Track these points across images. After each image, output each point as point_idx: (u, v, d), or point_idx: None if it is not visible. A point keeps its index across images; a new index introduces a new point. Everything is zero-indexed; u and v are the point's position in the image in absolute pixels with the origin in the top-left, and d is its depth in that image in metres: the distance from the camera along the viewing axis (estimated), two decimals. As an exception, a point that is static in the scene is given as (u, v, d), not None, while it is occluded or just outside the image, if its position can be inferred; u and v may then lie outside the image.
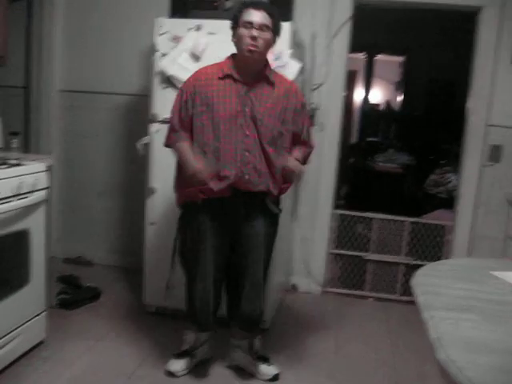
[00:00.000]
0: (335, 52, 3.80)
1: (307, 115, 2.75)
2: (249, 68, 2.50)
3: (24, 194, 2.61)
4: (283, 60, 2.96)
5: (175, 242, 2.75)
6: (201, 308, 2.67)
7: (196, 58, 3.04)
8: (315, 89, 3.81)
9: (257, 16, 2.42)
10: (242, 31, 2.44)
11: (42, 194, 2.76)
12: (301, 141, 2.67)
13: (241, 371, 2.83)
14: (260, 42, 2.43)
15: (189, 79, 2.59)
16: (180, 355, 2.81)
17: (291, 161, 2.58)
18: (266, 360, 2.83)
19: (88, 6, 4.17)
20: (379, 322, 3.64)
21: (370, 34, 6.47)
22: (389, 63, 9.04)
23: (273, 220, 2.67)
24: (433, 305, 1.45)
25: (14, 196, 2.54)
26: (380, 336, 3.41)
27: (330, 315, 3.72)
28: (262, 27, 2.43)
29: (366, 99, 9.10)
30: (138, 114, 4.03)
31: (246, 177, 2.48)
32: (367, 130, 8.32)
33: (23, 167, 2.67)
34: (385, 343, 3.30)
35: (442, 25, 6.36)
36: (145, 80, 3.90)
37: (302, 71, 3.27)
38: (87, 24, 4.19)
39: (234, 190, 2.51)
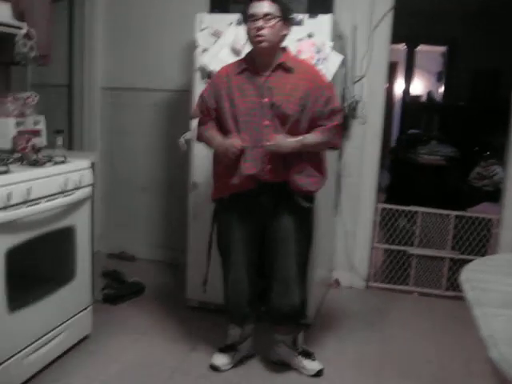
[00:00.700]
0: (376, 44, 3.74)
1: (333, 96, 2.60)
2: (264, 59, 2.51)
3: (69, 190, 2.65)
4: (325, 52, 2.93)
5: (210, 236, 2.79)
6: (233, 300, 2.72)
7: (237, 52, 3.03)
8: (357, 81, 3.76)
9: (259, 7, 2.42)
10: (248, 25, 2.46)
11: (86, 191, 2.80)
12: (327, 116, 2.53)
13: (284, 366, 2.82)
14: (266, 32, 2.42)
15: (213, 79, 2.69)
16: (224, 350, 2.82)
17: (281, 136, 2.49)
18: (309, 355, 2.82)
19: (128, 3, 4.21)
20: (424, 318, 3.58)
21: (411, 24, 6.37)
22: (430, 53, 8.88)
23: (304, 214, 2.63)
24: (484, 301, 1.42)
25: (60, 193, 2.58)
26: (425, 332, 3.35)
27: (373, 311, 3.67)
28: (265, 17, 2.42)
29: (407, 90, 8.97)
30: (179, 109, 4.06)
31: (268, 166, 2.49)
32: (409, 122, 8.20)
33: (68, 165, 2.71)
34: (430, 340, 3.24)
35: (486, 13, 6.22)
36: (186, 76, 3.92)
37: (343, 63, 3.23)
38: (128, 21, 4.23)
39: (258, 183, 2.52)
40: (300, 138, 2.48)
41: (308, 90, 2.49)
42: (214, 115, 2.59)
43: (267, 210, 2.58)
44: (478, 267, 1.76)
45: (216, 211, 2.74)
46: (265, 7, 2.42)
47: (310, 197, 2.63)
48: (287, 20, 2.49)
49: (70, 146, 4.33)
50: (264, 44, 2.44)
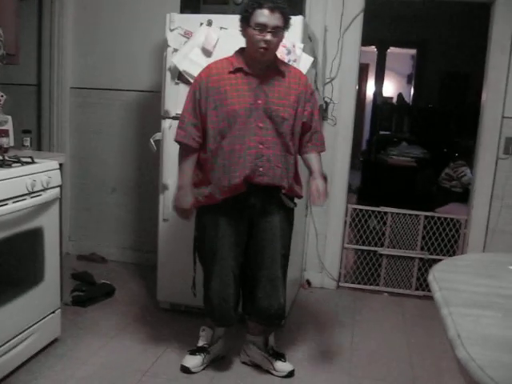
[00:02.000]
0: (347, 46, 3.77)
1: (317, 103, 2.73)
2: (259, 62, 2.48)
3: (37, 191, 2.61)
4: (295, 54, 2.94)
5: (196, 240, 2.73)
6: (220, 304, 2.64)
7: (208, 53, 3.02)
8: (328, 83, 3.78)
9: (270, 19, 2.36)
10: (255, 33, 2.38)
11: (55, 192, 2.75)
12: (311, 130, 2.63)
13: (256, 368, 2.81)
14: (273, 44, 2.40)
15: (200, 75, 2.57)
16: (195, 351, 2.80)
17: (318, 184, 2.58)
18: (281, 356, 2.81)
19: (98, 2, 4.16)
20: (395, 318, 3.61)
21: (382, 27, 6.44)
22: (401, 56, 8.99)
23: (288, 215, 2.65)
24: (452, 301, 1.43)
25: (27, 194, 2.54)
26: (396, 332, 3.38)
27: (344, 311, 3.69)
28: (275, 29, 2.38)
29: (378, 92, 9.06)
30: (150, 110, 4.03)
31: (260, 169, 2.47)
32: (380, 124, 8.29)
33: (36, 165, 2.67)
34: (401, 339, 3.27)
35: (455, 17, 6.31)
36: (156, 76, 3.89)
37: (314, 65, 3.24)
38: (98, 20, 4.19)
39: (248, 185, 2.50)
40: (316, 172, 2.61)
41: (299, 94, 2.53)
42: (202, 125, 2.52)
43: (255, 211, 2.56)
44: (446, 267, 1.78)
45: (200, 214, 2.67)
46: (276, 20, 2.37)
47: (292, 196, 2.66)
48: (287, 30, 2.48)
49: (38, 146, 4.27)
50: (268, 55, 2.45)
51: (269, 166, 2.48)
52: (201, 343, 2.82)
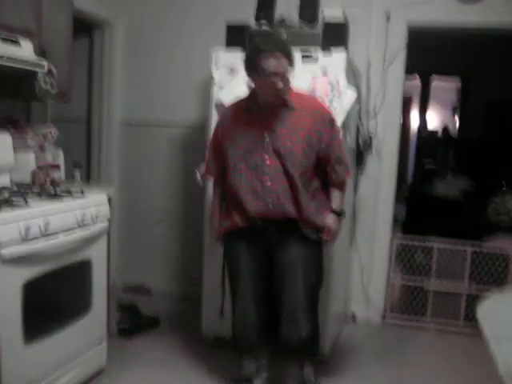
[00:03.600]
0: (391, 79, 3.78)
1: (337, 131, 2.69)
2: (266, 103, 2.52)
3: (86, 224, 2.68)
4: (339, 89, 2.96)
5: (223, 269, 2.83)
6: (241, 332, 2.69)
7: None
8: (372, 117, 3.79)
9: (277, 66, 2.36)
10: (265, 82, 2.40)
11: (103, 225, 2.82)
12: (331, 161, 2.60)
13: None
14: (284, 87, 2.43)
15: (222, 114, 2.77)
16: (239, 382, 2.81)
17: (330, 220, 2.61)
18: None
19: (146, 39, 4.30)
20: (441, 355, 3.51)
21: (425, 58, 6.42)
22: (445, 88, 8.92)
23: (312, 246, 2.61)
24: (501, 338, 1.40)
25: (77, 227, 2.61)
26: (442, 370, 3.28)
27: (389, 347, 3.62)
28: (284, 73, 2.40)
29: (423, 125, 8.99)
30: (195, 144, 4.10)
31: (270, 206, 2.50)
32: (425, 156, 8.20)
33: (86, 199, 2.75)
34: (448, 378, 3.18)
35: (500, 46, 6.24)
36: (201, 111, 3.98)
37: (357, 99, 3.26)
38: (145, 57, 4.32)
39: (265, 221, 2.54)
40: (335, 210, 2.63)
41: (313, 125, 2.52)
42: (219, 169, 2.68)
43: (273, 241, 2.57)
44: (495, 304, 1.74)
45: (225, 244, 2.75)
46: (283, 66, 2.38)
47: (315, 228, 2.61)
48: (292, 65, 2.48)
49: (87, 179, 4.38)
50: (281, 98, 2.48)
51: (279, 201, 2.50)
52: (245, 374, 2.84)
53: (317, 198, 2.61)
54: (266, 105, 2.51)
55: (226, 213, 2.67)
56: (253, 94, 2.57)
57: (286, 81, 2.42)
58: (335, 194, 2.67)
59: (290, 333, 2.59)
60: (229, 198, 2.65)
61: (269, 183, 2.49)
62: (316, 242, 2.62)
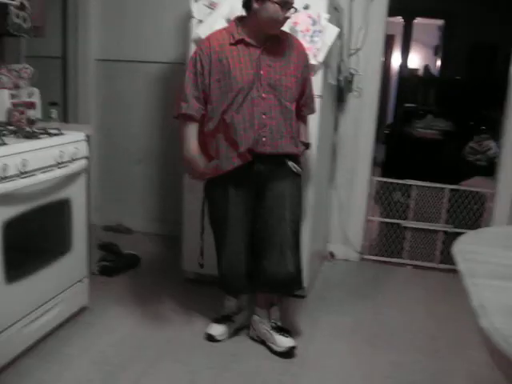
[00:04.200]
0: (373, 16, 3.71)
1: (311, 76, 2.76)
2: (263, 33, 2.48)
3: (65, 163, 2.65)
4: (321, 24, 2.91)
5: (203, 208, 2.80)
6: (231, 273, 2.70)
7: (232, 24, 3.00)
8: (353, 54, 3.74)
9: None
10: (276, 9, 2.38)
11: (82, 163, 2.79)
12: (305, 94, 2.67)
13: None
14: (285, 20, 2.46)
15: (201, 46, 2.56)
16: (220, 320, 2.84)
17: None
18: (284, 331, 2.75)
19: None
20: (418, 290, 3.62)
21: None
22: (427, 27, 8.82)
23: (296, 181, 2.64)
24: (476, 272, 1.43)
25: (55, 165, 2.58)
26: (418, 304, 3.39)
27: (367, 283, 3.71)
28: (291, 5, 2.42)
29: (404, 64, 8.92)
30: (174, 81, 4.02)
31: (263, 139, 2.49)
32: (405, 96, 8.18)
33: (63, 137, 2.71)
34: (423, 311, 3.29)
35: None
36: (181, 47, 3.89)
37: (339, 36, 3.21)
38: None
39: (253, 154, 2.51)
40: (305, 143, 2.70)
41: (298, 62, 2.56)
42: (204, 97, 2.53)
43: (261, 178, 2.57)
44: (470, 239, 1.78)
45: (208, 185, 2.71)
46: None
47: (298, 163, 2.65)
48: None
49: (64, 118, 4.30)
50: (279, 29, 2.49)
51: (272, 136, 2.50)
52: (226, 312, 2.87)
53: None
54: (261, 37, 2.47)
55: (212, 153, 2.58)
56: (242, 26, 2.50)
57: (289, 14, 2.44)
58: (303, 127, 2.74)
59: (278, 268, 2.59)
60: (210, 141, 2.57)
61: (263, 117, 2.48)
62: (298, 176, 2.65)
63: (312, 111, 2.77)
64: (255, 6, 2.41)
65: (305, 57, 2.64)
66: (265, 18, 2.41)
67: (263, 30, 2.46)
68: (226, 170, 2.53)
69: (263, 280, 2.67)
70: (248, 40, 2.48)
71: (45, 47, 4.12)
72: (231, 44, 2.48)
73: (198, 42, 2.59)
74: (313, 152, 3.02)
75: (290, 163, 2.59)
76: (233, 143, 2.50)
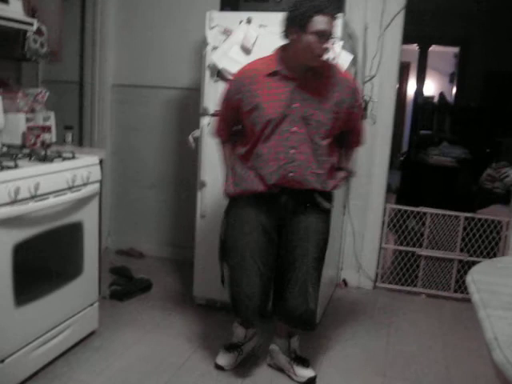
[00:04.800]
0: (387, 43, 3.72)
1: (361, 101, 2.68)
2: (302, 65, 2.37)
3: (77, 186, 2.66)
4: (335, 52, 2.91)
5: (221, 236, 2.70)
6: (244, 301, 2.57)
7: (247, 50, 3.02)
8: (367, 81, 3.74)
9: (330, 26, 2.26)
10: (313, 40, 2.25)
11: (94, 187, 2.80)
12: (353, 140, 2.63)
13: (282, 372, 2.78)
14: (324, 51, 2.33)
15: (236, 74, 2.56)
16: (229, 348, 2.80)
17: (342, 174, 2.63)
18: (303, 361, 2.73)
19: (139, 1, 4.21)
20: (432, 320, 3.56)
21: (423, 25, 6.34)
22: (443, 54, 8.83)
23: (323, 216, 2.57)
24: (490, 303, 1.40)
25: (68, 189, 2.59)
26: (432, 334, 3.33)
27: (381, 312, 3.66)
28: (330, 36, 2.30)
29: (419, 91, 8.93)
30: (189, 107, 4.06)
31: (290, 174, 2.41)
32: (421, 123, 8.17)
33: (77, 160, 2.72)
34: (437, 342, 3.22)
35: (498, 12, 6.17)
36: (196, 74, 3.93)
37: (353, 63, 3.22)
38: (139, 18, 4.23)
39: (281, 188, 2.46)
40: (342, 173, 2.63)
41: (342, 98, 2.43)
42: (233, 124, 2.59)
43: (287, 211, 2.50)
44: (485, 269, 1.74)
45: (230, 208, 2.64)
46: (332, 28, 2.29)
47: (329, 197, 2.59)
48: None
49: (80, 142, 4.35)
50: (318, 61, 2.37)
51: (300, 171, 2.41)
52: (234, 340, 2.83)
53: (333, 166, 2.54)
54: (299, 68, 2.37)
55: (240, 176, 2.53)
56: (281, 57, 2.40)
57: (327, 45, 2.32)
58: (348, 158, 2.69)
59: (298, 304, 2.53)
60: (245, 162, 2.51)
61: (292, 151, 2.39)
62: (327, 211, 2.59)
63: (359, 145, 2.71)
64: (292, 37, 2.33)
65: (351, 92, 2.49)
66: (302, 50, 2.31)
67: (301, 62, 2.36)
68: (252, 191, 2.48)
69: (283, 313, 2.62)
70: (285, 72, 2.38)
71: (63, 72, 4.20)
72: (267, 75, 2.39)
73: (238, 70, 2.58)
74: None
75: (319, 198, 2.51)
76: (256, 172, 2.46)
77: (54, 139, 3.21)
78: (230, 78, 2.82)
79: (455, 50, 8.53)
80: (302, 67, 2.38)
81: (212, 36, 3.12)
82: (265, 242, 2.54)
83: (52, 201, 2.47)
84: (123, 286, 3.61)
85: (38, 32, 2.93)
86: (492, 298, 1.45)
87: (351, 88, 2.52)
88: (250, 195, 2.51)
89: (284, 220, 2.53)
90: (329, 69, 2.47)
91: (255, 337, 2.85)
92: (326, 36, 2.27)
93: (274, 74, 2.39)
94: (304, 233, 2.52)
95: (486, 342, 1.21)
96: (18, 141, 2.98)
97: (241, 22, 3.05)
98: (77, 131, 4.31)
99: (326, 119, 2.40)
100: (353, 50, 3.31)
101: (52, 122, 3.22)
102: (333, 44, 2.42)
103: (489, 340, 1.20)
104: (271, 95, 2.38)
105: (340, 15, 2.95)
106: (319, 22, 2.23)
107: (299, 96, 2.38)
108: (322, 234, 2.59)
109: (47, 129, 3.13)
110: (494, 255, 3.88)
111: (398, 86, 3.90)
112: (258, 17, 3.04)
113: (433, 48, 8.65)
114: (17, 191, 2.25)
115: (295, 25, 2.28)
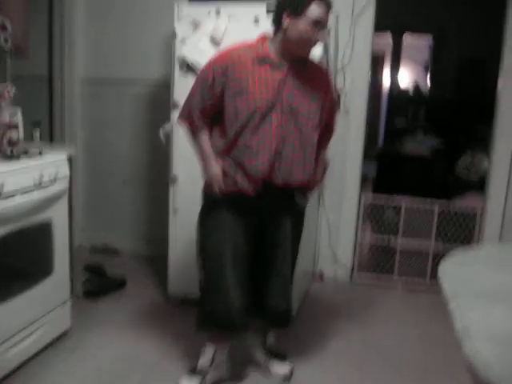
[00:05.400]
0: (359, 32, 3.69)
1: (335, 104, 2.63)
2: (290, 55, 2.27)
3: (45, 184, 2.60)
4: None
5: (199, 241, 2.51)
6: (226, 306, 2.39)
7: (216, 42, 2.98)
8: (339, 71, 3.71)
9: (326, 15, 2.19)
10: (307, 28, 2.17)
11: (63, 184, 2.74)
12: (327, 131, 2.55)
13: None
14: (316, 41, 2.25)
15: (219, 57, 2.32)
16: (194, 371, 2.57)
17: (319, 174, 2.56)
18: (279, 356, 2.71)
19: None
20: (407, 312, 3.55)
21: (397, 13, 6.32)
22: (418, 45, 8.84)
23: (300, 212, 2.53)
24: (460, 293, 1.38)
25: (35, 187, 2.53)
26: (409, 326, 3.33)
27: (357, 304, 3.65)
28: (324, 25, 2.22)
29: (393, 82, 8.93)
30: (159, 101, 3.99)
31: (277, 170, 2.29)
32: (395, 114, 8.19)
33: (44, 157, 2.66)
34: (413, 334, 3.22)
35: (474, 2, 6.19)
36: (166, 67, 3.86)
37: (324, 52, 3.19)
38: (108, 12, 4.17)
39: (264, 183, 2.31)
40: (321, 167, 2.55)
41: (323, 90, 2.39)
42: (210, 112, 2.34)
43: (266, 211, 2.40)
44: (457, 259, 1.74)
45: (208, 209, 2.45)
46: (327, 20, 2.22)
47: (306, 195, 2.52)
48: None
49: (50, 138, 4.27)
50: (308, 51, 2.30)
51: (285, 163, 2.29)
52: (201, 362, 2.57)
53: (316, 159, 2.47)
54: (287, 58, 2.26)
55: (229, 173, 2.33)
56: (270, 44, 2.28)
57: (319, 36, 2.23)
58: (324, 150, 2.59)
59: (280, 300, 2.51)
60: (225, 155, 2.33)
61: (280, 146, 2.26)
62: (303, 210, 2.54)
63: (331, 139, 2.63)
64: (285, 22, 2.21)
65: (327, 82, 2.46)
66: (294, 37, 2.21)
67: (291, 50, 2.26)
68: (229, 191, 2.33)
69: (263, 311, 2.56)
70: (273, 60, 2.26)
71: (32, 66, 4.10)
72: (254, 61, 2.25)
73: (217, 52, 2.41)
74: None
75: (298, 196, 2.43)
76: (243, 168, 2.29)
77: (21, 136, 3.13)
78: (201, 68, 2.53)
79: (430, 40, 8.55)
80: (293, 56, 2.27)
81: (181, 28, 3.08)
82: (245, 246, 2.40)
83: (18, 200, 2.41)
84: (97, 283, 3.55)
85: (2, 27, 2.85)
86: (463, 287, 1.43)
87: (327, 78, 2.49)
88: (233, 195, 2.34)
89: (263, 220, 2.43)
90: (310, 60, 2.42)
91: (225, 361, 2.60)
92: (320, 25, 2.19)
93: (262, 60, 2.26)
94: (283, 232, 2.45)
95: (456, 332, 1.19)
96: (-17, 138, 2.90)
97: (209, 13, 3.01)
98: (47, 127, 4.23)
99: (313, 110, 2.34)
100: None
101: (19, 119, 3.13)
102: (325, 34, 2.33)
103: (459, 331, 1.18)
104: (259, 82, 2.24)
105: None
106: (316, 9, 2.16)
107: (288, 85, 2.27)
108: (299, 231, 2.56)
109: (14, 126, 3.04)
110: (469, 244, 3.89)
111: (371, 76, 3.88)
112: (226, 8, 2.99)
113: (408, 39, 8.65)
114: (-20, 190, 2.19)
115: (292, 11, 2.18)
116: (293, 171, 2.32)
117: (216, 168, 2.34)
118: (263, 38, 2.33)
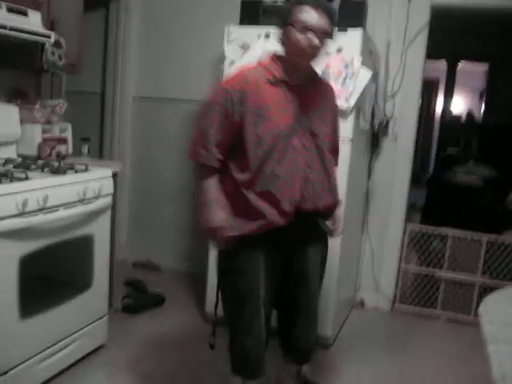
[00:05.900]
0: (411, 60, 3.64)
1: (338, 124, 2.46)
2: (298, 72, 2.15)
3: (89, 199, 2.64)
4: (353, 68, 2.86)
5: (219, 281, 2.32)
6: (256, 351, 2.25)
7: (264, 65, 2.98)
8: (389, 98, 3.67)
9: (318, 21, 2.03)
10: (298, 36, 2.04)
11: (106, 200, 2.78)
12: (335, 150, 2.40)
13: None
14: (319, 51, 2.10)
15: (231, 82, 2.16)
16: None
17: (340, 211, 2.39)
18: None
19: (162, 14, 4.23)
20: (449, 345, 3.43)
21: (452, 40, 6.23)
22: (473, 72, 8.70)
23: (325, 240, 2.37)
24: (500, 337, 1.32)
25: (78, 201, 2.57)
26: (448, 362, 3.20)
27: (397, 335, 3.55)
28: (323, 33, 2.06)
29: (447, 108, 8.80)
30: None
31: (305, 193, 2.12)
32: (447, 141, 8.04)
33: (89, 173, 2.70)
34: (454, 369, 3.10)
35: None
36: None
37: (374, 79, 3.16)
38: (160, 32, 4.25)
39: (297, 213, 2.14)
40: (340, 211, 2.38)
41: (332, 108, 2.33)
42: (226, 143, 2.15)
43: (292, 242, 2.22)
44: (500, 298, 1.66)
45: (230, 253, 2.22)
46: (324, 23, 2.05)
47: (328, 219, 2.35)
48: (332, 37, 2.16)
49: (100, 154, 4.36)
50: (314, 61, 2.16)
51: (313, 189, 2.14)
52: None
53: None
54: (294, 76, 2.14)
55: (244, 212, 2.13)
56: (278, 63, 2.16)
57: (323, 45, 2.10)
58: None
59: (307, 334, 2.39)
60: (250, 188, 2.11)
61: (308, 169, 2.12)
62: (327, 236, 2.37)
63: (337, 162, 2.44)
64: (282, 36, 2.13)
65: (334, 99, 2.36)
66: (292, 49, 2.10)
67: (293, 63, 2.12)
68: (273, 225, 2.10)
69: (291, 346, 2.43)
70: (285, 78, 2.13)
71: (86, 83, 4.23)
72: (269, 82, 2.12)
73: (228, 76, 2.29)
74: (342, 197, 2.91)
75: (321, 222, 2.26)
76: (271, 199, 2.09)
77: (70, 151, 3.21)
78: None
79: (485, 67, 8.40)
80: (299, 74, 2.16)
81: (230, 50, 3.10)
82: (272, 283, 2.23)
83: (61, 213, 2.46)
84: (136, 299, 3.57)
85: (57, 44, 2.93)
86: (502, 331, 1.37)
87: (333, 95, 2.37)
88: (256, 236, 2.13)
89: (288, 250, 2.24)
90: (316, 74, 2.32)
91: None
92: (316, 31, 2.04)
93: (276, 81, 2.13)
94: (312, 265, 2.30)
95: (493, 379, 1.13)
96: (33, 152, 2.99)
97: (259, 37, 3.02)
98: (97, 143, 4.33)
99: (328, 130, 2.24)
100: (374, 67, 3.24)
101: (69, 134, 3.22)
102: (326, 44, 2.13)
103: (496, 378, 1.13)
104: (278, 105, 2.11)
105: (359, 30, 2.91)
106: (305, 15, 2.03)
107: (303, 106, 2.15)
108: (324, 261, 2.41)
109: (63, 140, 3.13)
110: (518, 280, 3.75)
111: (423, 102, 3.81)
112: (276, 32, 2.98)
113: (463, 65, 8.52)
114: (25, 203, 2.24)
115: (284, 23, 2.11)
116: (320, 195, 2.17)
117: (220, 218, 2.15)
118: (274, 57, 2.20)
